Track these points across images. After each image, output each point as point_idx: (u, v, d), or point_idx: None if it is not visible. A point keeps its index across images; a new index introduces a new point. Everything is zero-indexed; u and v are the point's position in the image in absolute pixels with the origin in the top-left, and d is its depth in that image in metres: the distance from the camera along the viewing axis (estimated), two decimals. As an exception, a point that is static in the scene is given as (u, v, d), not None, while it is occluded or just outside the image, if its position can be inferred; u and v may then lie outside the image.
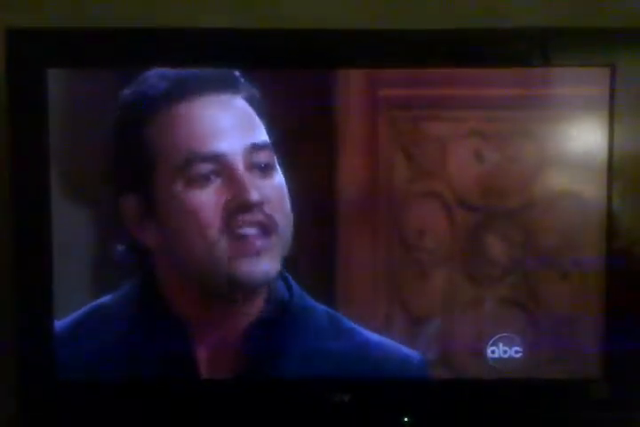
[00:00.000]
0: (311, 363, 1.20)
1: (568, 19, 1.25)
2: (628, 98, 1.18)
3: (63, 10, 1.24)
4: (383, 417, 1.23)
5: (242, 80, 1.15)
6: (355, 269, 1.21)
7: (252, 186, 1.12)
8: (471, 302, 1.23)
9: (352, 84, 1.19)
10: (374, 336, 1.21)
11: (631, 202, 1.21)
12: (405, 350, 1.22)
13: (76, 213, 1.21)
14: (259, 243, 1.13)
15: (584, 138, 1.21)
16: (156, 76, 1.15)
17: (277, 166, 1.15)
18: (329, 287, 1.20)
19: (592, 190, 1.21)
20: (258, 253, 1.13)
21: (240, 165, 1.12)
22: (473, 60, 1.19)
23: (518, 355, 1.23)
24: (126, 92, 1.15)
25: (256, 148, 1.13)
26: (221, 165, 1.12)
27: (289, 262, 1.16)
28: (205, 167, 1.12)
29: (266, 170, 1.13)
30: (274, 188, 1.14)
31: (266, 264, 1.14)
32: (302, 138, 1.17)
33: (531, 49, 1.19)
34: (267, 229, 1.13)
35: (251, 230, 1.13)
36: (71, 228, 1.20)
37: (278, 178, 1.15)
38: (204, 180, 1.12)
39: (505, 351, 1.23)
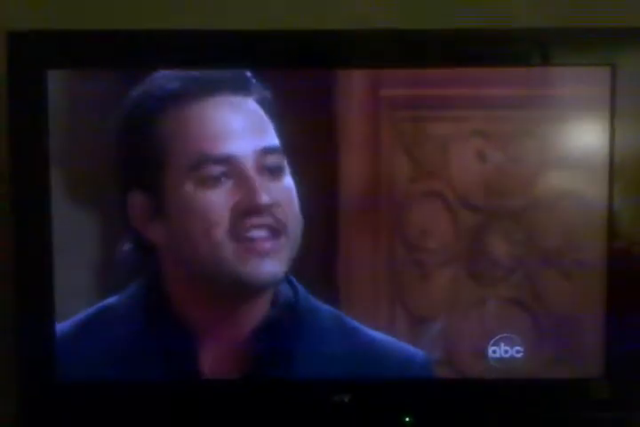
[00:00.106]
0: (317, 363, 1.20)
1: (569, 18, 1.25)
2: (628, 97, 1.18)
3: (63, 11, 1.23)
4: (384, 417, 1.23)
5: (254, 81, 1.15)
6: (357, 270, 1.21)
7: (262, 189, 1.12)
8: (473, 302, 1.22)
9: (353, 85, 1.19)
10: (379, 335, 1.21)
11: (632, 202, 1.21)
12: (410, 348, 1.22)
13: (76, 214, 1.20)
14: (267, 245, 1.13)
15: (585, 138, 1.21)
16: (168, 76, 1.15)
17: (287, 169, 1.15)
18: (331, 288, 1.20)
19: (593, 190, 1.21)
20: (265, 255, 1.13)
21: (251, 168, 1.12)
22: (474, 60, 1.19)
23: (519, 355, 1.23)
24: (137, 90, 1.15)
25: (267, 151, 1.13)
26: (232, 167, 1.12)
27: (292, 263, 1.16)
28: (216, 169, 1.11)
29: (276, 173, 1.13)
30: (284, 190, 1.14)
31: (272, 266, 1.13)
32: (304, 138, 1.17)
33: (531, 49, 1.19)
34: (276, 231, 1.13)
35: (260, 233, 1.13)
36: (72, 229, 1.20)
37: (288, 181, 1.15)
38: (215, 181, 1.12)
39: (506, 351, 1.23)
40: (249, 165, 1.12)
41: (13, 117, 1.19)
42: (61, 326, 1.20)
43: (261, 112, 1.14)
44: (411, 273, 1.22)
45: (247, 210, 1.12)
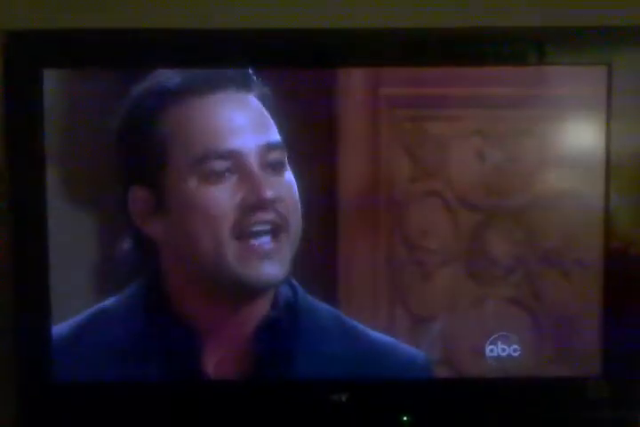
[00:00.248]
0: (316, 363, 1.20)
1: (566, 18, 1.25)
2: (625, 97, 1.19)
3: (60, 10, 1.23)
4: (382, 416, 1.23)
5: (254, 78, 1.15)
6: (357, 269, 1.21)
7: (266, 184, 1.12)
8: (472, 302, 1.23)
9: (353, 84, 1.19)
10: (379, 335, 1.21)
11: (629, 200, 1.21)
12: (410, 349, 1.22)
13: (74, 213, 1.20)
14: (269, 245, 1.13)
15: (582, 137, 1.22)
16: (169, 73, 1.14)
17: (287, 165, 1.15)
18: (331, 288, 1.20)
19: (590, 189, 1.21)
20: (266, 256, 1.13)
21: (254, 163, 1.12)
22: (472, 59, 1.19)
23: (517, 353, 1.23)
24: (138, 87, 1.14)
25: (270, 146, 1.13)
26: (236, 163, 1.12)
27: (292, 263, 1.16)
28: (220, 164, 1.11)
29: (278, 168, 1.14)
30: (285, 186, 1.14)
31: (273, 268, 1.13)
32: (303, 137, 1.16)
33: (528, 48, 1.20)
34: (278, 227, 1.13)
35: (263, 228, 1.13)
36: (69, 230, 1.20)
37: (289, 176, 1.15)
38: (219, 176, 1.11)
39: (504, 350, 1.23)
40: (252, 160, 1.12)
41: (9, 117, 1.19)
42: (60, 327, 1.20)
43: (262, 109, 1.14)
44: (410, 273, 1.22)
45: (252, 205, 1.12)
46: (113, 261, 1.19)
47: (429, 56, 1.19)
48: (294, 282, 1.18)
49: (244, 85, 1.14)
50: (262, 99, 1.15)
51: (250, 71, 1.16)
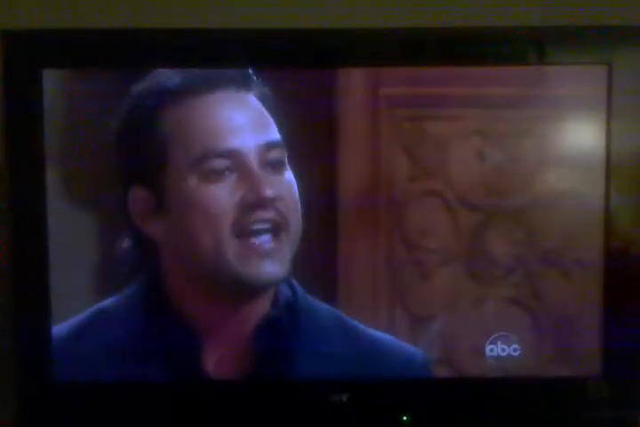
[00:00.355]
0: (316, 362, 1.20)
1: (566, 17, 1.25)
2: (625, 96, 1.19)
3: (60, 10, 1.23)
4: (382, 416, 1.22)
5: (254, 78, 1.15)
6: (357, 269, 1.21)
7: (265, 183, 1.12)
8: (472, 301, 1.22)
9: (353, 83, 1.19)
10: (378, 334, 1.21)
11: (630, 200, 1.21)
12: (409, 347, 1.22)
13: (73, 213, 1.20)
14: (269, 244, 1.13)
15: (582, 137, 1.21)
16: (168, 73, 1.14)
17: (287, 164, 1.15)
18: (331, 288, 1.20)
19: (590, 189, 1.21)
20: (266, 255, 1.13)
21: (254, 162, 1.12)
22: (472, 59, 1.19)
23: (517, 353, 1.23)
24: (138, 86, 1.15)
25: (270, 145, 1.13)
26: (236, 162, 1.12)
27: (292, 263, 1.16)
28: (220, 163, 1.11)
29: (278, 167, 1.14)
30: (285, 185, 1.14)
31: (273, 266, 1.13)
32: (303, 137, 1.16)
33: (528, 47, 1.19)
34: (278, 226, 1.13)
35: (263, 226, 1.13)
36: (69, 230, 1.20)
37: (289, 175, 1.15)
38: (219, 175, 1.12)
39: (504, 350, 1.23)
40: (252, 159, 1.12)
41: (9, 117, 1.18)
42: (60, 327, 1.20)
43: (262, 108, 1.15)
44: (410, 272, 1.22)
45: (252, 204, 1.12)
46: (112, 260, 1.18)
47: (429, 56, 1.19)
48: (293, 281, 1.18)
49: (244, 85, 1.14)
50: (262, 98, 1.15)
51: (249, 71, 1.16)
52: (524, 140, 1.20)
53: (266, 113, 1.15)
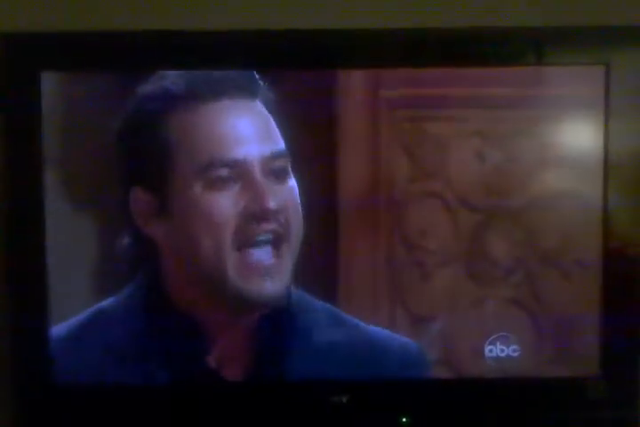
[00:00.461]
0: (313, 360, 1.20)
1: (565, 17, 1.25)
2: (623, 96, 1.19)
3: (59, 13, 1.23)
4: (381, 417, 1.22)
5: (261, 83, 1.15)
6: (356, 270, 1.21)
7: (269, 193, 1.12)
8: (472, 302, 1.23)
9: (353, 84, 1.19)
10: (373, 328, 1.21)
11: (628, 200, 1.21)
12: (402, 338, 1.22)
13: (71, 214, 1.20)
14: (270, 261, 1.13)
15: (580, 137, 1.22)
16: (175, 77, 1.14)
17: (291, 171, 1.15)
18: (331, 288, 1.20)
19: (588, 189, 1.21)
20: (268, 273, 1.13)
21: (258, 172, 1.12)
22: (471, 60, 1.19)
23: (517, 354, 1.23)
24: (145, 88, 1.14)
25: (274, 155, 1.13)
26: (241, 171, 1.12)
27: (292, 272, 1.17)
28: (225, 172, 1.11)
29: (281, 176, 1.14)
30: (288, 193, 1.14)
31: (275, 284, 1.14)
32: (303, 138, 1.16)
33: (527, 48, 1.20)
34: (279, 237, 1.13)
35: (264, 237, 1.13)
36: (67, 231, 1.19)
37: (292, 183, 1.15)
38: (223, 184, 1.12)
39: (503, 350, 1.23)
40: (257, 169, 1.12)
41: (8, 119, 1.18)
42: (59, 328, 1.20)
43: (268, 115, 1.14)
44: (410, 273, 1.22)
45: (255, 215, 1.12)
46: (111, 257, 1.18)
47: (429, 57, 1.19)
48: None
49: (251, 91, 1.14)
50: (268, 104, 1.15)
51: (256, 76, 1.15)
52: (524, 140, 1.20)
53: (271, 120, 1.14)
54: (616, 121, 1.20)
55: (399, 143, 1.20)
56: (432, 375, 1.23)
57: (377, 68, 1.19)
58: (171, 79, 1.14)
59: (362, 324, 1.21)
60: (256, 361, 1.19)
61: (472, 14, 1.25)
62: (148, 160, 1.14)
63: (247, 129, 1.13)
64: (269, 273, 1.13)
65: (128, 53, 1.19)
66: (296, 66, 1.19)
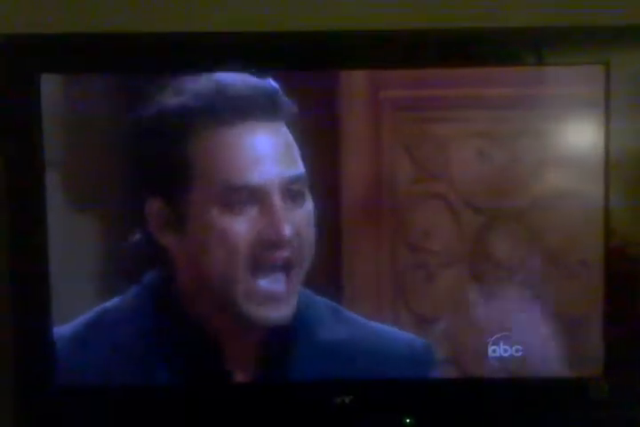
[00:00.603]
0: (318, 360, 1.20)
1: (564, 17, 1.25)
2: (623, 96, 1.19)
3: (58, 15, 1.23)
4: (385, 417, 1.22)
5: (285, 102, 1.14)
6: (360, 271, 1.21)
7: (285, 220, 1.11)
8: (476, 302, 1.23)
9: (355, 86, 1.18)
10: (376, 324, 1.21)
11: (629, 200, 1.21)
12: (408, 334, 1.22)
13: (72, 215, 1.19)
14: (280, 289, 1.13)
15: (581, 136, 1.22)
16: (198, 93, 1.12)
17: (308, 193, 1.15)
18: (335, 290, 1.20)
19: (590, 189, 1.21)
20: (276, 301, 1.13)
21: (276, 197, 1.11)
22: (471, 60, 1.19)
23: (519, 354, 1.23)
24: (166, 102, 1.12)
25: (292, 179, 1.13)
26: (259, 196, 1.11)
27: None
28: (243, 196, 1.11)
29: (298, 200, 1.13)
30: (304, 216, 1.14)
31: (282, 310, 1.14)
32: (304, 139, 1.16)
33: (527, 48, 1.20)
34: (291, 264, 1.13)
35: (277, 264, 1.13)
36: (69, 232, 1.19)
37: (308, 206, 1.15)
38: (241, 208, 1.11)
39: (506, 350, 1.23)
40: (275, 194, 1.11)
41: (7, 121, 1.18)
42: (62, 329, 1.19)
43: (290, 137, 1.14)
44: (414, 274, 1.21)
45: (270, 242, 1.11)
46: (114, 258, 1.18)
47: (430, 57, 1.19)
48: None
49: (274, 113, 1.13)
50: (290, 121, 1.14)
51: (282, 97, 1.14)
52: (526, 140, 1.20)
53: (294, 142, 1.14)
54: (616, 121, 1.20)
55: (401, 144, 1.20)
56: (436, 375, 1.23)
57: (379, 69, 1.19)
58: (193, 95, 1.12)
59: (361, 318, 1.21)
60: (260, 362, 1.19)
61: (472, 15, 1.25)
62: (166, 175, 1.14)
63: (268, 152, 1.12)
64: (279, 300, 1.14)
65: (128, 55, 1.19)
66: (297, 67, 1.18)
